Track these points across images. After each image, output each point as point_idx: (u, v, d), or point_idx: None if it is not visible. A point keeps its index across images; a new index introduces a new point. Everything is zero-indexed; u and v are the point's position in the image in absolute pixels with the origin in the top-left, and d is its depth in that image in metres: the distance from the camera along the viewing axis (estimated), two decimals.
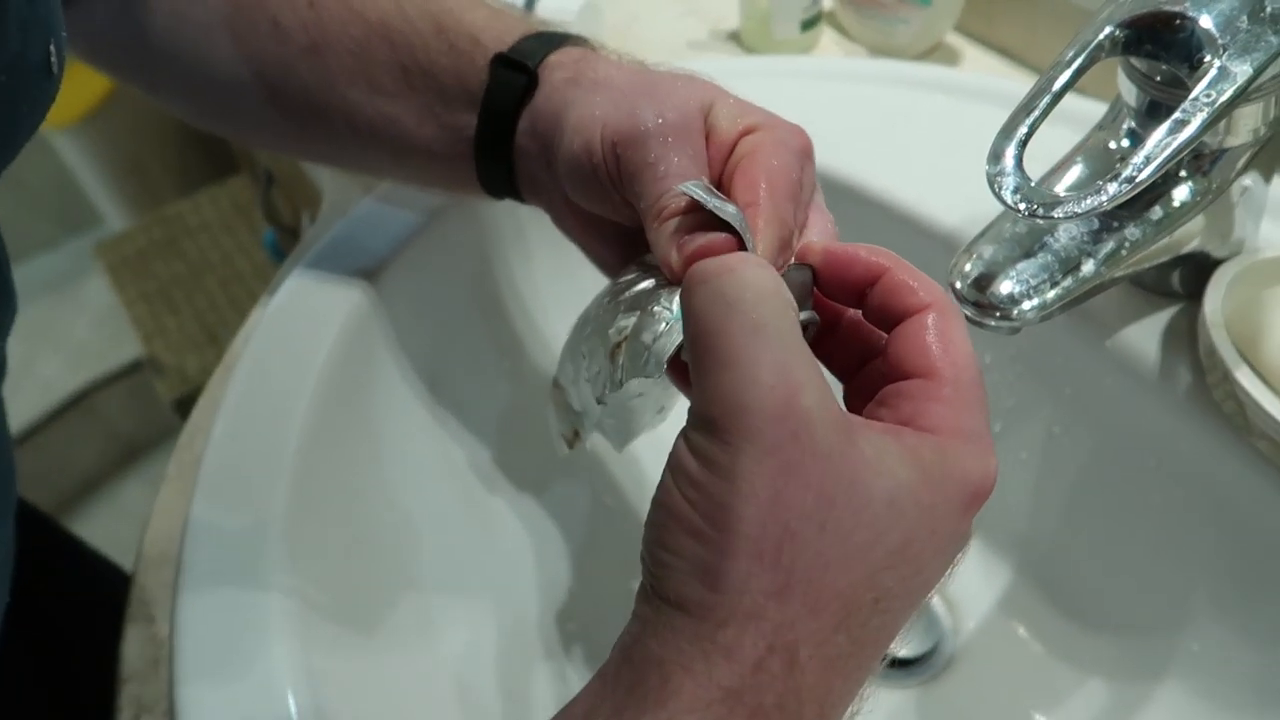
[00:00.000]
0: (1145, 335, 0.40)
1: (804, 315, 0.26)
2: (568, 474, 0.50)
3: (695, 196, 0.27)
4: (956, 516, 0.22)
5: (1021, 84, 0.54)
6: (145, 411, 1.40)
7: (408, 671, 0.39)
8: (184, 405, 1.09)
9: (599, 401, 0.30)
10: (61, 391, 1.34)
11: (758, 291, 0.22)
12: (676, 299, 0.28)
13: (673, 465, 0.21)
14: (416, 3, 0.36)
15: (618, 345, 0.29)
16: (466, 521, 0.45)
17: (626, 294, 0.30)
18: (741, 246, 0.27)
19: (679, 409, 0.32)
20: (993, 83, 0.51)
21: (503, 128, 0.34)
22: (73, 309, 1.48)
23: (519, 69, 0.34)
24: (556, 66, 0.34)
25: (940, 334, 0.24)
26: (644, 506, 0.22)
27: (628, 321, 0.29)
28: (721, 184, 0.30)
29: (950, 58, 0.57)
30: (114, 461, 1.43)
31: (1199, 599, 0.41)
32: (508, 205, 0.50)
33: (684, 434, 0.22)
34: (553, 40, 0.35)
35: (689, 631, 0.20)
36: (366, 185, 0.53)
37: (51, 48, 0.23)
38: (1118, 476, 0.43)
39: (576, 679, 0.46)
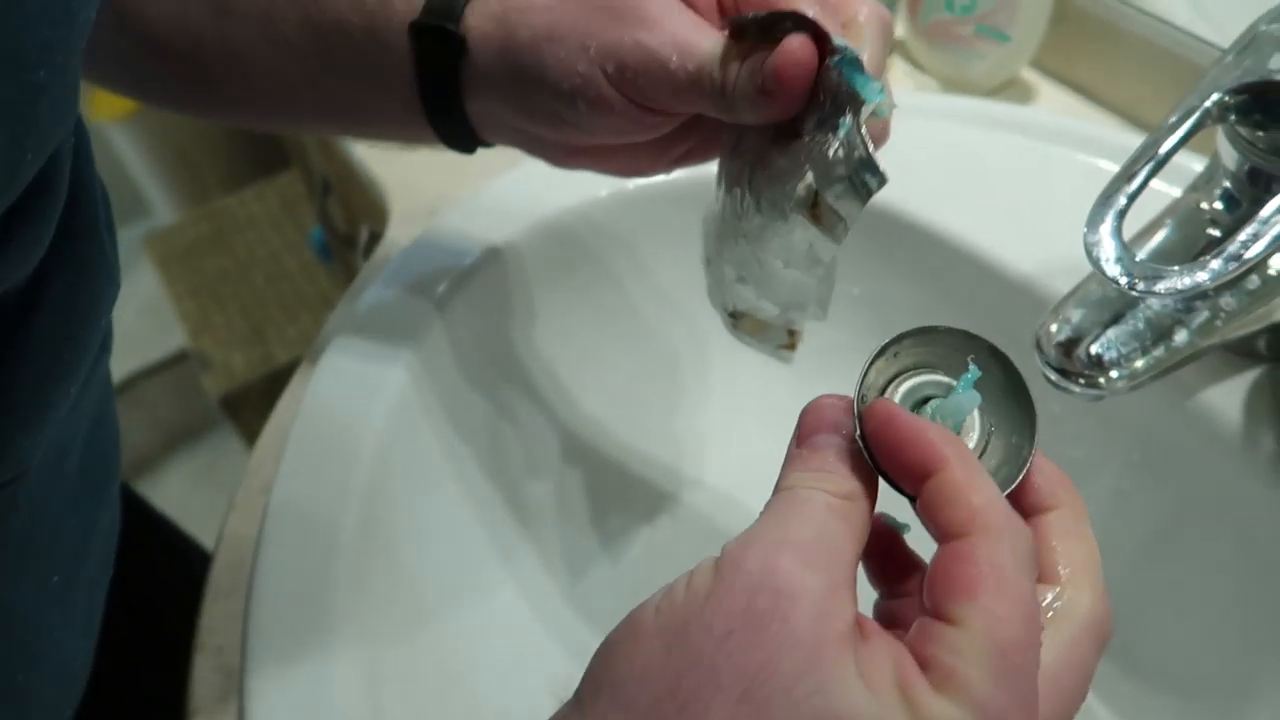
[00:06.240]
0: (1227, 397, 0.39)
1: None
2: (626, 510, 0.50)
3: (736, 24, 0.27)
4: None
5: (1099, 125, 0.53)
6: (188, 401, 1.42)
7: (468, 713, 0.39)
8: (229, 401, 1.10)
9: (821, 263, 0.28)
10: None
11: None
12: (838, 123, 0.26)
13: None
14: None
15: (813, 198, 0.26)
16: (531, 563, 0.45)
17: (754, 179, 0.29)
18: (818, 34, 0.26)
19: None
20: (1070, 124, 0.50)
21: (446, 95, 0.33)
22: (121, 297, 1.50)
23: (442, 35, 0.31)
24: (479, 16, 0.31)
25: (985, 571, 0.19)
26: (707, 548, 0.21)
27: (803, 179, 0.26)
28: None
29: (1025, 94, 0.56)
30: (156, 450, 1.45)
31: (1271, 668, 0.40)
32: (578, 239, 0.50)
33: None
34: None
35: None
36: (432, 204, 0.53)
37: None
38: (1190, 538, 0.42)
39: None
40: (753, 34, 0.27)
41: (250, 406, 1.10)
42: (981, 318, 0.48)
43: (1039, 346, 0.34)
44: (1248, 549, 0.40)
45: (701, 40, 0.28)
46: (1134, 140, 0.46)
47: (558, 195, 0.49)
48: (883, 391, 0.23)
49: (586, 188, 0.49)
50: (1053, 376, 0.34)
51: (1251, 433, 0.38)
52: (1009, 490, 0.22)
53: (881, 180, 0.24)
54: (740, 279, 0.31)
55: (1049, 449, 0.47)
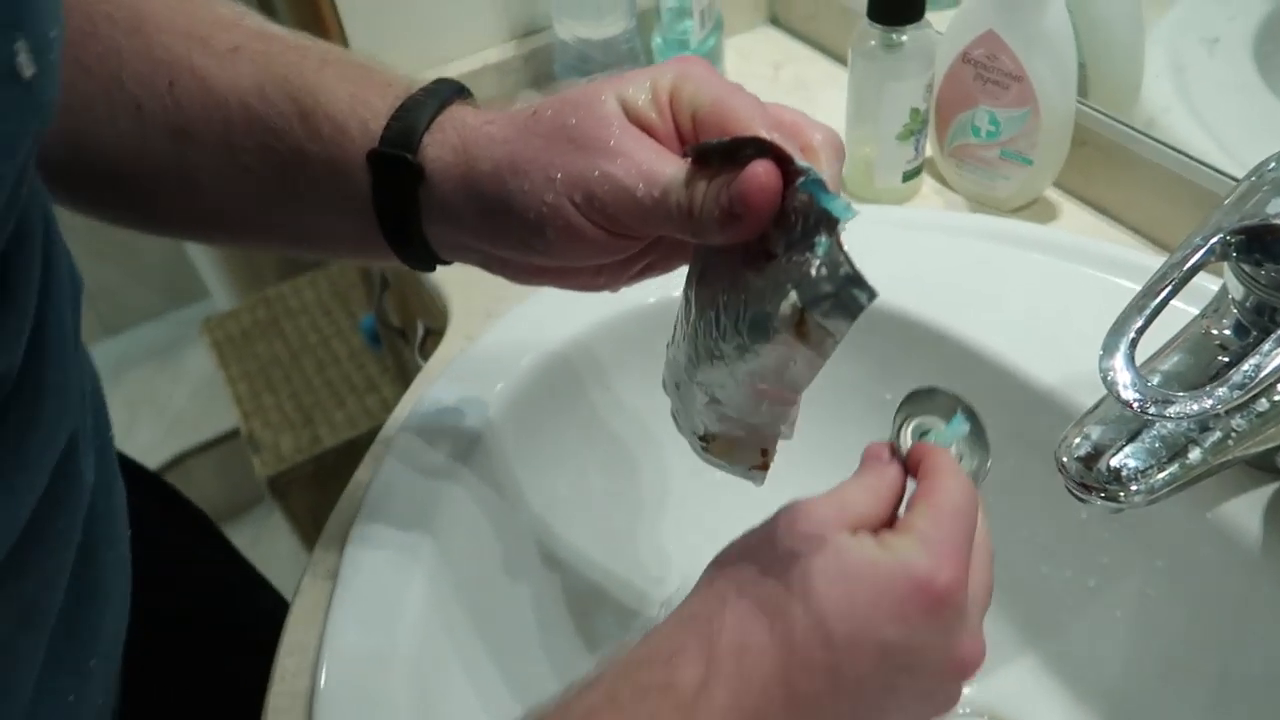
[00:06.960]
0: (1247, 510, 0.41)
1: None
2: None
3: (699, 151, 0.29)
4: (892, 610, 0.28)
5: (1118, 245, 0.56)
6: (233, 480, 1.46)
7: None
8: (276, 483, 1.13)
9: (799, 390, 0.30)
10: (160, 456, 1.41)
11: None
12: (814, 242, 0.26)
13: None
14: (276, 81, 0.34)
15: (799, 317, 0.26)
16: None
17: (730, 301, 0.29)
18: (780, 157, 0.27)
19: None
20: (1089, 244, 0.53)
21: (405, 220, 0.34)
22: (174, 378, 1.56)
23: (400, 164, 0.32)
24: (439, 147, 0.32)
25: (943, 484, 0.31)
26: None
27: (786, 297, 0.26)
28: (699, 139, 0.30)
29: (1048, 212, 0.59)
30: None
31: None
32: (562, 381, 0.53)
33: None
34: (420, 111, 0.33)
35: None
36: (490, 305, 0.57)
37: (18, 47, 0.19)
38: (1214, 644, 0.43)
39: None
40: (716, 160, 0.28)
41: (296, 488, 1.14)
42: (1007, 426, 0.50)
43: (1060, 461, 0.36)
44: (1268, 655, 0.41)
45: (665, 167, 0.29)
46: (1151, 260, 0.49)
47: (549, 335, 0.52)
48: (899, 431, 0.35)
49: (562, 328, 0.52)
50: (1074, 489, 0.36)
51: (1270, 544, 0.40)
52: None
53: (871, 294, 0.24)
54: (713, 400, 0.32)
55: (1078, 556, 0.49)
